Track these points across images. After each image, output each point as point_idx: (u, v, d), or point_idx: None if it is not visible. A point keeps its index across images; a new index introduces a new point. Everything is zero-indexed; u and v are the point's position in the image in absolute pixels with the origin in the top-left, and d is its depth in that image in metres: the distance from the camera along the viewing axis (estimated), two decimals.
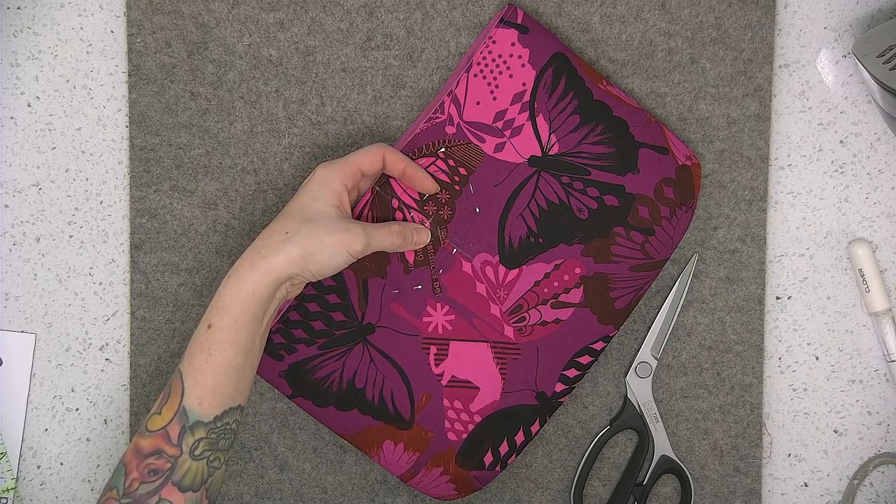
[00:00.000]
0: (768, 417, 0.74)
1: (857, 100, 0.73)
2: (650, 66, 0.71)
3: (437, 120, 0.67)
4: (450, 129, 0.67)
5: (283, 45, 0.71)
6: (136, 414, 0.72)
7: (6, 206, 0.72)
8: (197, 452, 0.59)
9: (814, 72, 0.72)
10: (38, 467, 0.73)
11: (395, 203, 0.67)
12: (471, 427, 0.69)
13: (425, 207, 0.68)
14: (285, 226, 0.61)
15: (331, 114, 0.71)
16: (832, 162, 0.73)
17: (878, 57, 0.66)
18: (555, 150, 0.67)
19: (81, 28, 0.72)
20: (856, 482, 0.73)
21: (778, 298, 0.73)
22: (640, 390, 0.71)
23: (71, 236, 0.73)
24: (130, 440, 0.72)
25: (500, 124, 0.67)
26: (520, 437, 0.69)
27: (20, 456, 0.73)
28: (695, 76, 0.71)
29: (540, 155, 0.67)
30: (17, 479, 0.73)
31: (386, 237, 0.64)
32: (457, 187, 0.68)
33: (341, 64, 0.71)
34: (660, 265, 0.69)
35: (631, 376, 0.72)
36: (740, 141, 0.72)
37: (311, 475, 0.73)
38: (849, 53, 0.72)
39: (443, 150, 0.68)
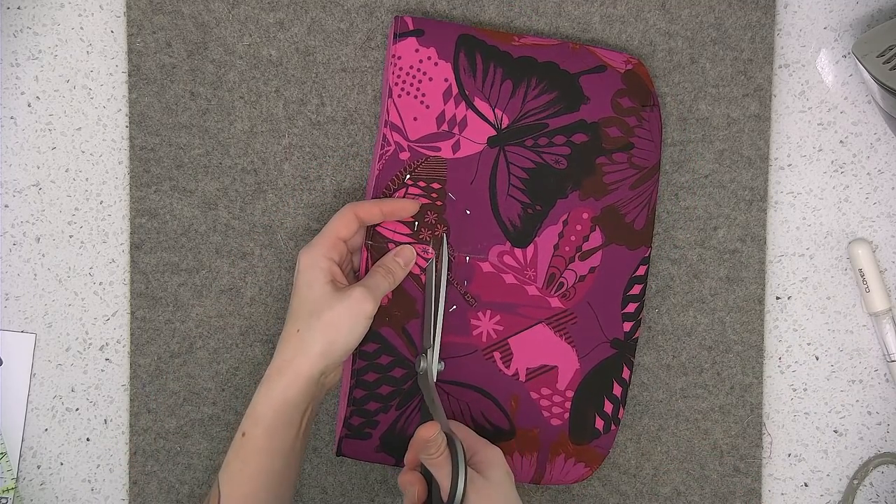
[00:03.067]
0: (768, 417, 0.74)
1: (857, 100, 0.73)
2: (650, 66, 0.71)
3: (388, 153, 0.68)
4: (404, 156, 0.68)
5: (283, 45, 0.71)
6: (136, 414, 0.72)
7: (6, 206, 0.72)
8: None
9: (814, 72, 0.72)
10: (38, 467, 0.73)
11: (392, 247, 0.68)
12: (568, 405, 0.69)
13: (420, 236, 0.68)
14: (295, 324, 0.62)
15: (331, 114, 0.71)
16: (832, 162, 0.73)
17: (878, 57, 0.66)
18: (506, 123, 0.68)
19: (81, 28, 0.72)
20: (856, 482, 0.73)
21: (778, 298, 0.73)
22: (422, 384, 0.67)
23: (71, 236, 0.73)
24: (130, 440, 0.72)
25: (445, 126, 0.68)
26: (617, 390, 0.70)
27: (20, 456, 0.73)
28: (695, 76, 0.71)
29: (495, 133, 0.68)
30: (17, 479, 0.73)
31: (381, 281, 0.64)
32: (438, 202, 0.68)
33: (341, 64, 0.71)
34: (655, 171, 0.69)
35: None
36: (740, 141, 0.72)
37: (311, 475, 0.73)
38: (849, 53, 0.72)
39: (408, 177, 0.68)
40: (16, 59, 0.72)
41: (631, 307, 0.69)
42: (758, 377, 0.73)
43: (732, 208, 0.72)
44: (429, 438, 0.60)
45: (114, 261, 0.73)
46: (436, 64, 0.67)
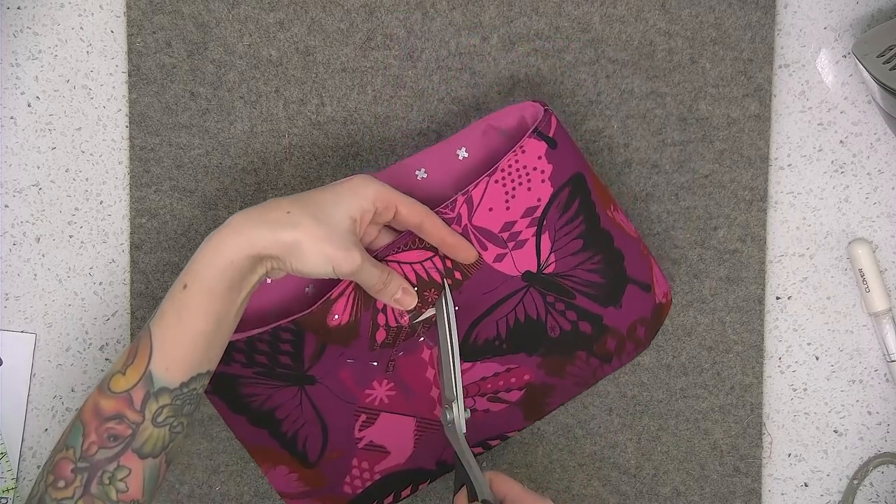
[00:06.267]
0: (768, 417, 0.74)
1: (857, 100, 0.73)
2: (650, 66, 0.71)
3: (445, 216, 0.63)
4: (455, 229, 0.64)
5: (283, 45, 0.71)
6: None
7: (6, 206, 0.72)
8: (160, 419, 0.57)
9: (814, 72, 0.72)
10: (38, 467, 0.73)
11: (380, 304, 0.64)
12: (368, 483, 0.69)
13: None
14: (292, 207, 0.58)
15: (331, 114, 0.71)
16: (832, 162, 0.73)
17: (878, 57, 0.66)
18: (550, 270, 0.66)
19: (81, 28, 0.72)
20: (856, 482, 0.73)
21: (778, 298, 0.73)
22: (451, 437, 0.66)
23: (71, 236, 0.73)
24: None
25: (505, 235, 0.65)
26: (406, 493, 0.70)
27: (20, 456, 0.73)
28: (695, 76, 0.71)
29: (535, 271, 0.66)
30: (17, 479, 0.73)
31: (373, 279, 0.61)
32: (447, 288, 0.65)
33: (341, 64, 0.71)
34: (599, 380, 0.70)
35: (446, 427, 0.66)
36: (740, 141, 0.72)
37: None
38: (849, 53, 0.72)
39: None
40: (16, 59, 0.72)
41: (478, 450, 0.70)
42: (758, 377, 0.73)
43: (732, 208, 0.72)
44: None
45: (114, 261, 0.73)
46: (542, 181, 0.65)
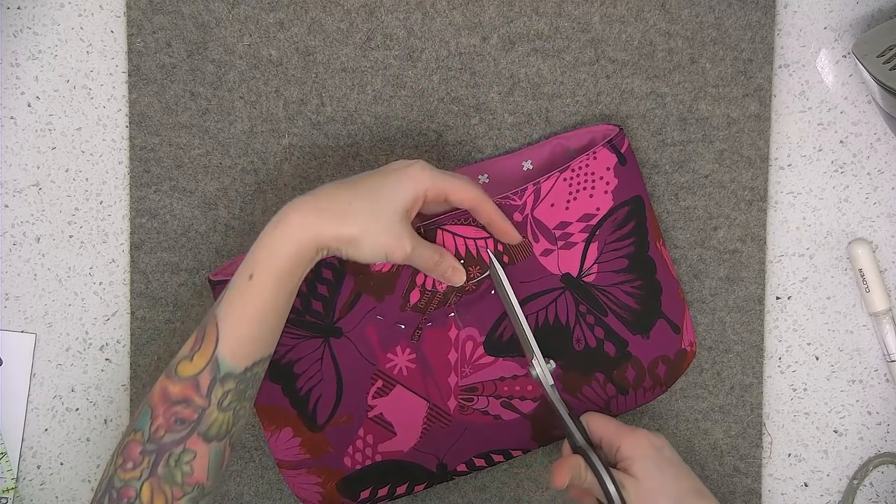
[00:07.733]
0: (768, 417, 0.74)
1: (857, 100, 0.73)
2: (650, 66, 0.71)
3: (511, 202, 0.67)
4: (517, 217, 0.67)
5: (283, 45, 0.71)
6: None
7: (6, 206, 0.72)
8: (225, 404, 0.59)
9: (814, 72, 0.72)
10: (38, 467, 0.73)
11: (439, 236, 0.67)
12: (368, 462, 0.69)
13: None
14: (353, 198, 0.60)
15: (331, 114, 0.71)
16: (832, 162, 0.73)
17: (878, 57, 0.66)
18: (589, 279, 0.68)
19: (81, 28, 0.72)
20: (856, 482, 0.73)
21: (778, 298, 0.73)
22: (542, 389, 0.68)
23: (71, 236, 0.73)
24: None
25: (558, 233, 0.67)
26: (401, 490, 0.70)
27: (20, 456, 0.73)
28: (695, 76, 0.71)
29: (575, 276, 0.68)
30: (17, 479, 0.73)
31: (424, 260, 0.63)
32: (489, 272, 0.67)
33: (341, 64, 0.71)
34: (612, 415, 0.70)
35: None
36: (740, 141, 0.72)
37: None
38: (849, 53, 0.72)
39: None
40: (16, 59, 0.72)
41: (480, 462, 0.70)
42: (758, 377, 0.73)
43: (732, 208, 0.72)
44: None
45: (114, 261, 0.73)
46: (605, 192, 0.67)
